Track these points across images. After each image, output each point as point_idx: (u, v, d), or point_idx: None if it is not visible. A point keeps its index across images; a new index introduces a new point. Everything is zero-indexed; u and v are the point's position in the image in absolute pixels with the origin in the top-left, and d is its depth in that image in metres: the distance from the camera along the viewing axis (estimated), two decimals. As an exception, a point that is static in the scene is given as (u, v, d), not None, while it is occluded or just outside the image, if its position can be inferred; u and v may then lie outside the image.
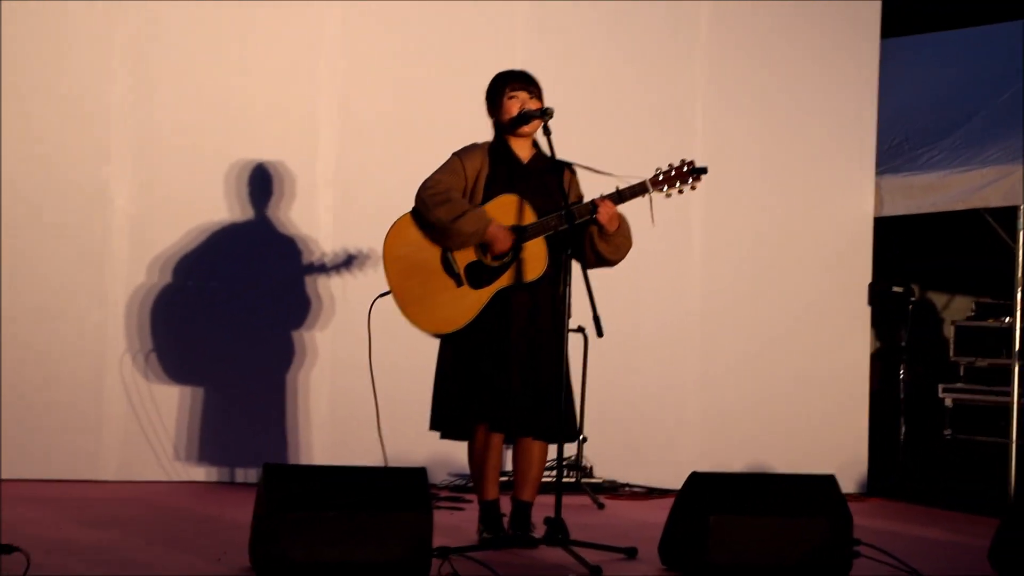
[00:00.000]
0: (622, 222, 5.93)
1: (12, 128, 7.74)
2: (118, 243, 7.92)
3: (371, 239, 8.02)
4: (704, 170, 5.92)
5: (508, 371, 5.87)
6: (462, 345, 5.93)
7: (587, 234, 5.89)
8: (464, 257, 5.90)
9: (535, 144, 6.06)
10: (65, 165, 7.85)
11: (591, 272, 5.77)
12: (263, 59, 8.15)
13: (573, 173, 6.09)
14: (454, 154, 6.03)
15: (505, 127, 6.01)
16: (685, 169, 5.90)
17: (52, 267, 7.83)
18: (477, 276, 5.89)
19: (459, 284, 5.89)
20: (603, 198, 5.84)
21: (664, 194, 5.90)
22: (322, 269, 8.18)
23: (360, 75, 8.29)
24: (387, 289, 5.96)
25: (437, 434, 6.09)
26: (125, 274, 7.92)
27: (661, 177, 5.89)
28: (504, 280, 5.87)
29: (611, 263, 6.02)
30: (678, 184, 5.90)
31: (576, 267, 5.79)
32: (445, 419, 5.98)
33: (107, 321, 7.90)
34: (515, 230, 5.84)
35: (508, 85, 6.00)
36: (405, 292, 5.93)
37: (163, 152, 7.98)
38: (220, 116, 8.07)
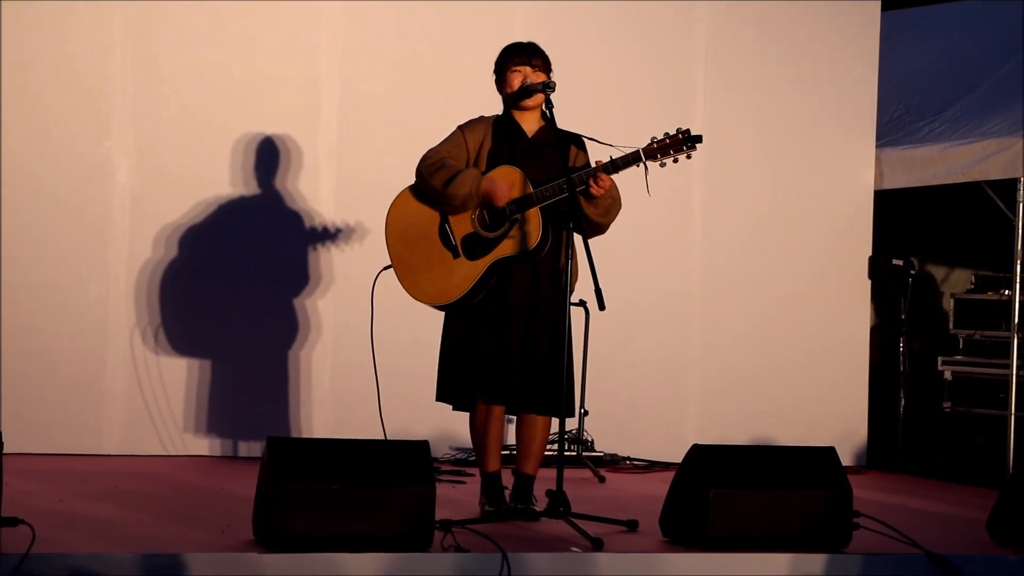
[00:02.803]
0: (610, 185, 5.88)
1: (12, 102, 7.74)
2: (119, 217, 7.93)
3: (373, 212, 7.98)
4: (699, 138, 5.85)
5: (507, 345, 5.89)
6: (465, 317, 5.95)
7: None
8: (461, 229, 5.91)
9: (544, 117, 6.05)
10: (66, 139, 7.85)
11: (593, 244, 5.75)
12: (264, 32, 8.14)
13: (580, 147, 6.08)
14: (458, 127, 6.04)
15: (509, 100, 6.01)
16: (680, 137, 5.84)
17: (53, 241, 7.84)
18: (473, 247, 5.91)
19: (456, 256, 5.91)
20: (597, 169, 5.82)
21: (658, 163, 5.86)
22: (324, 242, 8.19)
23: (361, 48, 8.29)
24: (389, 263, 5.99)
25: (439, 407, 6.12)
26: (127, 248, 7.94)
27: (655, 146, 5.83)
28: (500, 251, 5.88)
29: (601, 227, 5.99)
30: (672, 153, 5.82)
31: (579, 240, 5.79)
32: (449, 391, 6.01)
33: (109, 295, 7.92)
34: (516, 201, 5.85)
35: (513, 58, 5.99)
36: (404, 265, 5.96)
37: (164, 126, 7.98)
38: (221, 90, 8.07)
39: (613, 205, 5.95)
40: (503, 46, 6.10)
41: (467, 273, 5.89)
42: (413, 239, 5.96)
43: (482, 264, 5.89)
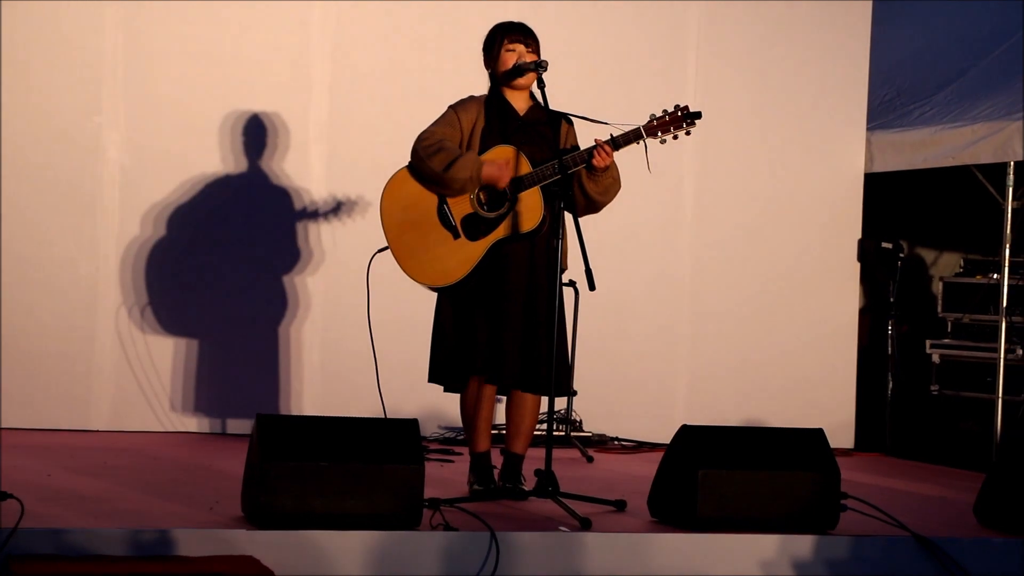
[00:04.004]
0: (611, 164, 5.91)
1: (3, 77, 7.71)
2: (109, 193, 7.91)
3: (364, 189, 8.04)
4: (698, 115, 5.89)
5: (503, 323, 5.88)
6: (459, 298, 5.94)
7: (576, 177, 5.88)
8: (460, 210, 5.90)
9: (532, 96, 6.05)
10: (57, 115, 7.83)
11: (584, 225, 5.75)
12: (255, 9, 8.12)
13: (570, 124, 6.08)
14: (450, 107, 6.02)
15: (501, 79, 6.00)
16: (679, 114, 5.88)
17: (44, 217, 7.82)
18: (474, 228, 5.89)
19: (456, 236, 5.89)
20: (595, 147, 5.81)
21: (659, 140, 5.88)
22: (315, 219, 8.18)
23: (352, 26, 8.27)
24: (385, 244, 5.97)
25: (428, 386, 6.11)
26: (117, 225, 7.92)
27: (655, 123, 5.87)
28: (501, 231, 5.87)
29: (599, 205, 6.00)
30: (672, 129, 5.88)
31: (570, 221, 5.80)
32: (442, 372, 6.01)
33: (98, 272, 7.90)
34: (511, 182, 5.84)
35: (506, 37, 5.98)
36: (403, 246, 5.93)
37: (155, 102, 7.96)
38: (212, 67, 8.05)
39: (613, 184, 5.96)
40: (494, 24, 6.10)
41: (468, 254, 5.87)
42: (411, 221, 5.93)
43: (483, 245, 5.87)
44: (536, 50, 5.98)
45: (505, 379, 5.93)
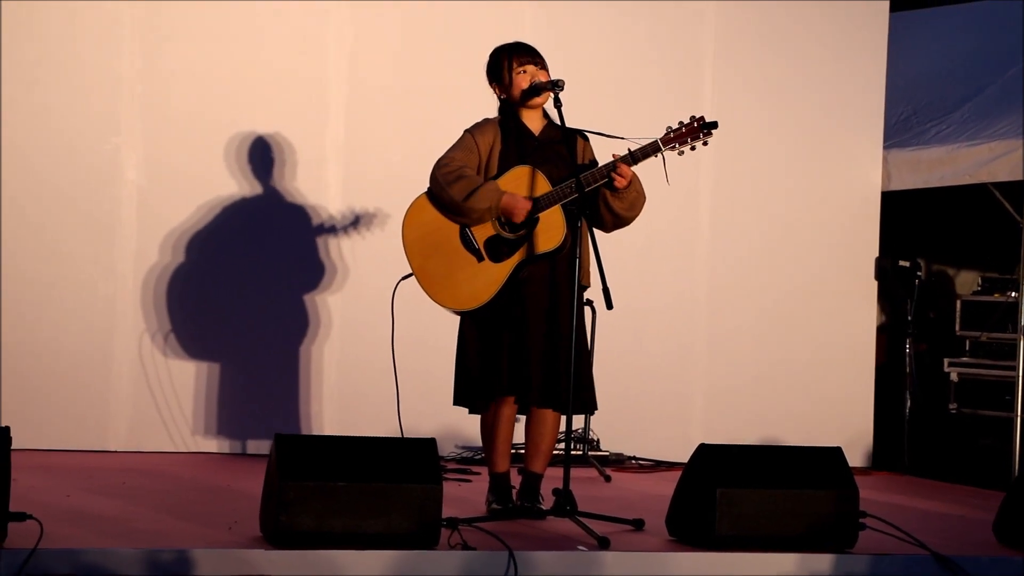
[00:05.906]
0: (634, 178, 5.92)
1: (20, 98, 7.75)
2: (127, 214, 7.94)
3: (381, 208, 8.05)
4: (715, 125, 5.88)
5: (527, 343, 5.87)
6: (483, 320, 5.93)
7: (600, 196, 5.89)
8: (483, 232, 5.89)
9: (545, 114, 6.05)
10: (74, 135, 7.86)
11: (599, 243, 5.73)
12: (272, 29, 8.15)
13: (586, 140, 6.09)
14: (466, 131, 6.01)
15: (516, 100, 6.00)
16: (696, 125, 5.87)
17: (61, 238, 7.85)
18: (497, 250, 5.88)
19: (480, 259, 5.88)
20: (615, 163, 5.82)
21: (676, 152, 5.88)
22: (332, 239, 8.18)
23: (368, 45, 8.30)
24: (409, 272, 5.95)
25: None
26: (135, 246, 7.94)
27: (672, 135, 5.86)
28: (524, 251, 5.86)
29: (627, 220, 6.00)
30: (690, 141, 5.86)
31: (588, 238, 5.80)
32: (467, 394, 5.99)
33: (116, 293, 7.92)
34: (531, 203, 5.84)
35: (515, 59, 5.97)
36: (427, 272, 5.91)
37: (172, 123, 7.99)
38: (229, 87, 8.08)
39: (638, 198, 5.96)
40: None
41: (494, 276, 5.86)
42: (433, 246, 5.92)
43: (508, 266, 5.86)
44: (544, 67, 5.98)
45: (531, 398, 5.92)
